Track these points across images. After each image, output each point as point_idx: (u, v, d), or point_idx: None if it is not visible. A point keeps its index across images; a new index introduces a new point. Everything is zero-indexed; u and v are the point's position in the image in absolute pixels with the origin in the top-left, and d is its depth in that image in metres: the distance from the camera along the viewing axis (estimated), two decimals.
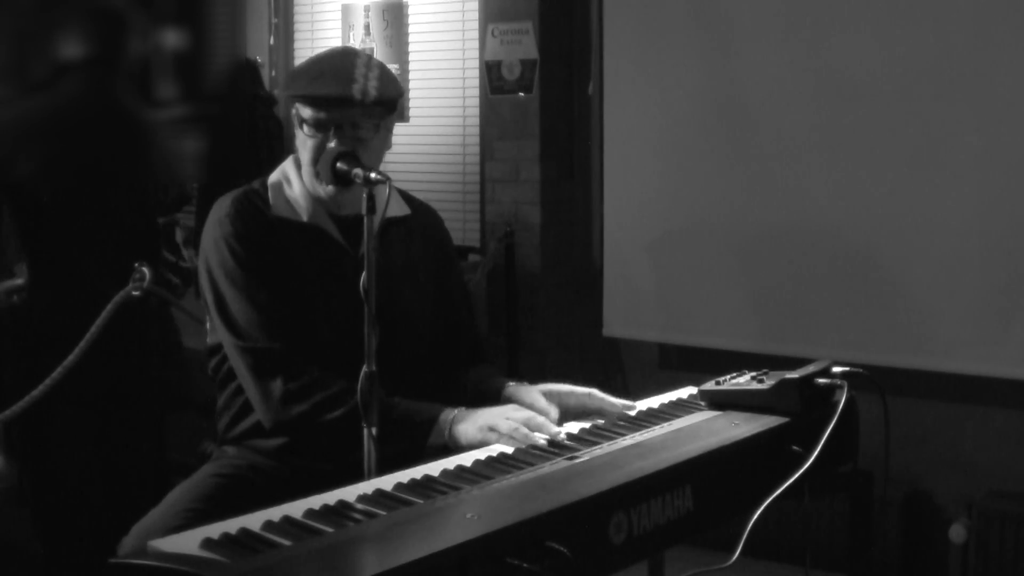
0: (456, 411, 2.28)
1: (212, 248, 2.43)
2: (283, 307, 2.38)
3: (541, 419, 2.24)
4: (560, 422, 2.34)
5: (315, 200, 2.46)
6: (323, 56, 2.52)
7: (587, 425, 2.31)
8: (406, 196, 2.68)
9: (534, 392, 2.43)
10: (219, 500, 2.30)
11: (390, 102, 2.45)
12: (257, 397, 2.37)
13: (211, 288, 2.42)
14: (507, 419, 2.21)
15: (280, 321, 2.37)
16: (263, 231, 2.43)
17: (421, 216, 2.67)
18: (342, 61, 2.44)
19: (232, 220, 2.42)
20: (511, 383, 2.52)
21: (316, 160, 2.40)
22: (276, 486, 2.30)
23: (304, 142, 2.43)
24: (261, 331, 2.35)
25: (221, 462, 2.46)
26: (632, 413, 2.41)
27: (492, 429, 2.20)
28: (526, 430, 2.18)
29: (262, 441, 2.43)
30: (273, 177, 2.52)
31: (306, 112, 2.41)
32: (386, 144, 2.51)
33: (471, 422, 2.25)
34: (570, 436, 2.21)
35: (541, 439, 2.17)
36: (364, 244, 2.13)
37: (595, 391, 2.45)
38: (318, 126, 2.39)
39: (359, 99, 2.37)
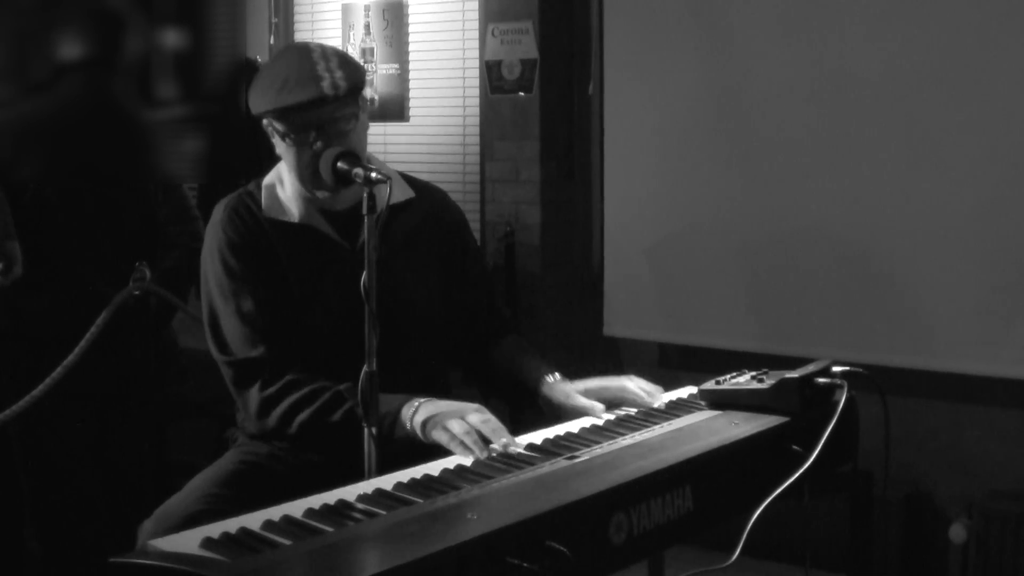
0: (418, 403, 2.25)
1: (208, 257, 2.47)
2: (270, 313, 2.39)
3: (495, 426, 2.16)
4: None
5: (306, 200, 2.46)
6: (279, 63, 2.46)
7: (586, 425, 2.31)
8: (409, 179, 2.66)
9: (574, 397, 2.43)
10: (240, 486, 2.32)
11: (360, 86, 2.41)
12: (241, 407, 2.42)
13: (206, 298, 2.46)
14: (462, 420, 2.16)
15: (262, 329, 2.38)
16: (255, 236, 2.44)
17: (426, 197, 2.65)
18: (300, 63, 2.38)
19: (224, 227, 2.44)
20: (548, 378, 2.51)
21: (310, 167, 2.36)
22: (296, 473, 2.34)
23: (288, 152, 2.40)
24: (243, 343, 2.38)
25: (244, 449, 2.48)
26: (656, 404, 2.44)
27: (445, 429, 2.16)
28: (475, 437, 2.12)
29: (277, 439, 2.45)
30: (267, 179, 2.52)
31: (281, 126, 2.38)
32: (366, 125, 2.48)
33: (430, 416, 2.21)
34: (531, 447, 2.15)
35: (483, 454, 2.10)
36: (365, 242, 2.13)
37: (628, 385, 2.46)
38: (299, 132, 2.36)
39: (332, 95, 2.33)
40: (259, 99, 2.41)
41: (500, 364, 2.62)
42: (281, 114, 2.37)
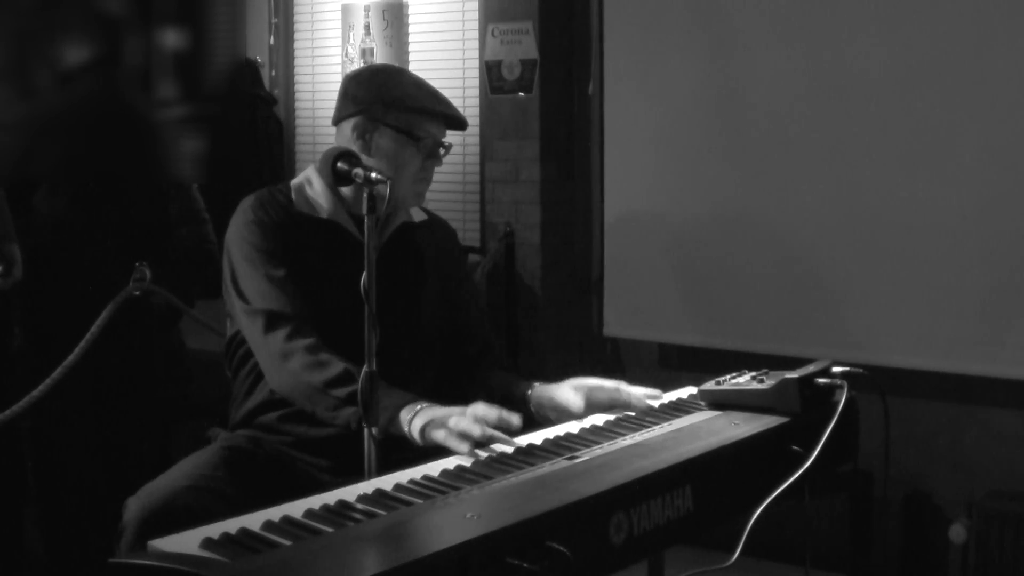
0: (419, 408, 2.25)
1: (234, 235, 2.53)
2: (297, 289, 2.46)
3: (489, 409, 2.17)
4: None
5: (335, 198, 2.55)
6: (410, 75, 2.71)
7: (586, 425, 2.32)
8: (424, 209, 2.78)
9: (564, 387, 2.47)
10: (225, 467, 2.36)
11: None
12: (263, 354, 2.44)
13: (229, 268, 2.51)
14: (460, 416, 2.17)
15: (291, 295, 2.44)
16: (284, 224, 2.52)
17: (436, 225, 2.78)
18: (429, 84, 2.63)
19: (255, 210, 2.52)
20: (536, 384, 2.55)
21: (420, 173, 2.57)
22: (279, 459, 2.42)
23: (404, 153, 2.54)
24: (272, 299, 2.43)
25: (228, 438, 2.52)
26: (656, 404, 2.45)
27: (443, 426, 2.17)
28: (470, 421, 2.13)
29: (265, 416, 2.49)
30: (295, 181, 2.62)
31: (423, 130, 2.54)
32: None
33: (429, 420, 2.21)
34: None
35: (480, 431, 2.11)
36: (366, 244, 2.15)
37: (623, 385, 2.47)
38: (435, 142, 2.56)
39: (467, 124, 2.66)
40: (414, 94, 2.57)
41: (490, 386, 2.63)
42: (436, 118, 2.57)
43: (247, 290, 2.46)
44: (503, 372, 2.72)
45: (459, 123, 2.62)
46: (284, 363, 2.38)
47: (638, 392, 2.46)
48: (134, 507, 2.23)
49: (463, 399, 2.42)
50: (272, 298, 2.43)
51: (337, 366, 2.33)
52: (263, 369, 2.47)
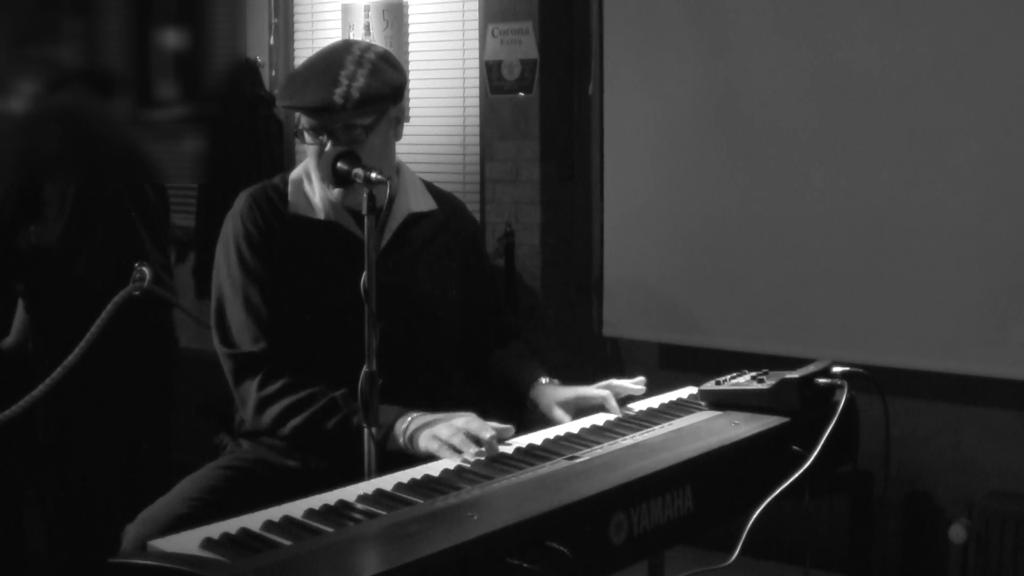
0: (411, 417, 2.24)
1: (223, 245, 2.47)
2: (277, 309, 2.39)
3: (481, 426, 2.16)
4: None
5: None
6: (315, 58, 2.45)
7: (586, 425, 2.32)
8: (432, 189, 2.66)
9: (555, 409, 2.45)
10: (226, 491, 2.32)
11: (381, 98, 2.37)
12: (238, 401, 2.41)
13: (216, 287, 2.46)
14: (450, 425, 2.17)
15: (267, 324, 2.37)
16: (276, 230, 2.43)
17: (448, 209, 2.66)
18: (331, 62, 2.37)
19: (244, 218, 2.44)
20: (542, 380, 2.54)
21: (320, 167, 2.39)
22: (283, 480, 2.35)
23: (307, 149, 2.43)
24: (246, 336, 2.37)
25: (231, 456, 2.48)
26: (640, 387, 2.46)
27: (435, 437, 2.16)
28: (463, 437, 2.12)
29: (270, 440, 2.45)
30: (295, 173, 2.52)
31: (302, 120, 2.39)
32: (390, 138, 2.47)
33: (419, 428, 2.21)
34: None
35: (471, 451, 2.10)
36: (366, 244, 2.12)
37: (613, 382, 2.47)
38: (314, 132, 2.37)
39: (340, 104, 2.31)
40: (283, 91, 2.44)
41: (497, 367, 2.64)
42: (295, 112, 2.39)
43: (226, 325, 2.40)
44: (513, 352, 2.69)
45: (314, 109, 2.34)
46: (260, 415, 2.35)
47: (626, 386, 2.47)
48: (133, 534, 2.21)
49: (472, 382, 2.41)
50: (246, 336, 2.37)
51: (318, 401, 2.30)
52: (240, 412, 2.43)
